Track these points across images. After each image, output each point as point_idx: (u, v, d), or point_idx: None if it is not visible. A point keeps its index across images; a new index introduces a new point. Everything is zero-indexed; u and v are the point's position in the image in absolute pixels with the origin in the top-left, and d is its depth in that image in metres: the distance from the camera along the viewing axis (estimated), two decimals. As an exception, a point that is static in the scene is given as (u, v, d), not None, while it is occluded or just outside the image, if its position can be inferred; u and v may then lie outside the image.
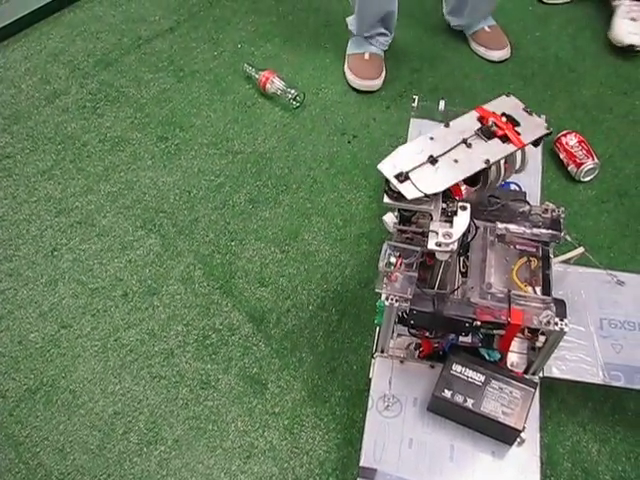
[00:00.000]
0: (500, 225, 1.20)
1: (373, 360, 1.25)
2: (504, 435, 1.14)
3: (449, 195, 1.09)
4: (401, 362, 1.24)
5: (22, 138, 1.78)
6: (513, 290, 1.12)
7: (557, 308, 1.09)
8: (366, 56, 1.88)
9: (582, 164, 1.65)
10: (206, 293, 1.50)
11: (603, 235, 1.58)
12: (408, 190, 1.05)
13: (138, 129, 1.80)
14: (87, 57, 1.97)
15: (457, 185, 1.09)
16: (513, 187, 1.39)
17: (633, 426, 1.31)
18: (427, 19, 2.06)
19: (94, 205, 1.65)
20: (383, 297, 1.09)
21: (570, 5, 2.12)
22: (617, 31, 1.96)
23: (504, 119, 1.16)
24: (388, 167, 1.08)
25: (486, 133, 1.14)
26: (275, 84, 1.84)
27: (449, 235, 1.05)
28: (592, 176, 1.68)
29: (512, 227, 1.19)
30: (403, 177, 1.06)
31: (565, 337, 1.09)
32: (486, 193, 1.19)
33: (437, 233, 1.05)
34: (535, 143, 1.17)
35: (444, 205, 1.08)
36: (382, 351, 1.24)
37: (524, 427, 1.11)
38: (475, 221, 1.16)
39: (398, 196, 1.07)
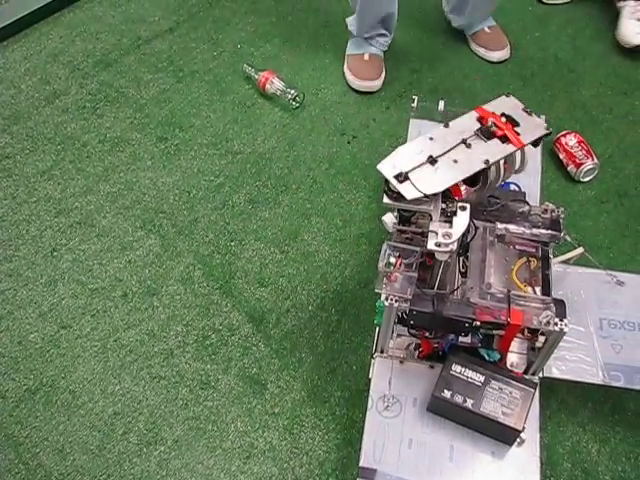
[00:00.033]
0: (500, 225, 1.20)
1: (373, 360, 1.25)
2: (504, 435, 1.14)
3: (449, 195, 1.09)
4: (401, 362, 1.24)
5: (22, 138, 1.78)
6: (513, 290, 1.12)
7: (557, 308, 1.09)
8: (366, 57, 1.88)
9: (582, 164, 1.66)
10: (206, 293, 1.50)
11: (603, 235, 1.59)
12: (407, 190, 1.05)
13: (138, 129, 1.80)
14: (87, 57, 1.97)
15: (457, 185, 1.09)
16: (513, 187, 1.39)
17: (633, 426, 1.31)
18: (427, 20, 2.06)
19: (94, 205, 1.65)
20: (383, 297, 1.09)
21: (570, 5, 2.12)
22: (624, 32, 1.96)
23: (504, 119, 1.16)
24: (387, 167, 1.08)
25: (486, 133, 1.14)
26: (275, 84, 1.84)
27: (449, 235, 1.05)
28: (592, 176, 1.68)
29: (512, 227, 1.20)
30: (403, 177, 1.06)
31: (565, 337, 1.09)
32: (486, 193, 1.19)
33: (437, 233, 1.05)
34: (534, 143, 1.17)
35: (444, 205, 1.08)
36: (382, 351, 1.24)
37: (524, 427, 1.11)
38: (475, 221, 1.16)
39: (398, 196, 1.07)
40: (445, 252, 1.05)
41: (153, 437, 1.31)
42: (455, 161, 1.10)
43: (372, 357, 1.26)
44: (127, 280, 1.52)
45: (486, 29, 1.96)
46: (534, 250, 1.19)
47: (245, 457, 1.29)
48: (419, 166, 1.08)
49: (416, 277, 1.09)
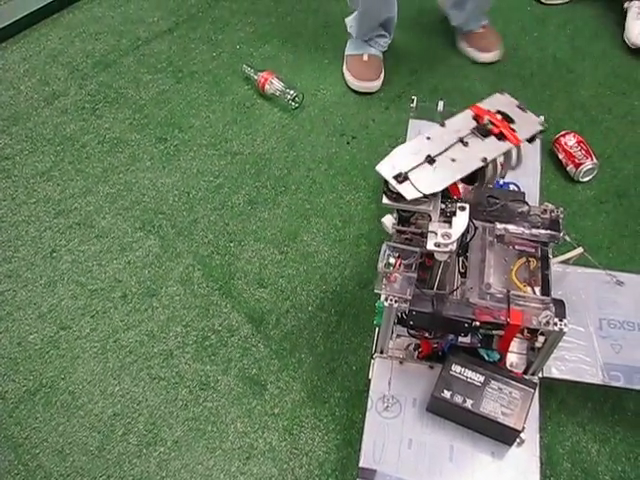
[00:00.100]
0: (499, 225, 1.20)
1: (372, 361, 1.25)
2: (504, 435, 1.14)
3: (448, 195, 1.09)
4: (400, 363, 1.24)
5: (21, 139, 1.78)
6: (512, 290, 1.12)
7: (556, 308, 1.08)
8: (365, 57, 1.88)
9: (581, 164, 1.66)
10: (205, 294, 1.50)
11: (602, 235, 1.59)
12: (407, 191, 1.05)
13: (137, 130, 1.80)
14: (86, 58, 1.97)
15: (455, 184, 1.09)
16: (512, 187, 1.39)
17: (633, 426, 1.31)
18: (426, 20, 2.06)
19: (93, 206, 1.65)
20: (382, 298, 1.09)
21: (569, 5, 2.12)
22: (632, 33, 1.96)
23: (499, 117, 1.16)
24: (386, 168, 1.08)
25: (482, 131, 1.14)
26: (274, 85, 1.84)
27: (448, 236, 1.05)
28: (591, 176, 1.69)
29: (511, 227, 1.20)
30: (402, 178, 1.06)
31: (564, 337, 1.09)
32: (483, 191, 1.19)
33: (436, 234, 1.05)
34: (530, 140, 1.17)
35: (443, 206, 1.08)
36: (381, 352, 1.24)
37: (523, 427, 1.11)
38: (474, 221, 1.16)
39: (397, 197, 1.07)
40: (444, 252, 1.06)
41: (153, 438, 1.31)
42: (453, 160, 1.10)
43: (372, 357, 1.26)
44: (126, 281, 1.52)
45: (479, 29, 1.95)
46: (533, 250, 1.19)
47: (245, 458, 1.28)
48: (418, 166, 1.08)
49: (415, 277, 1.09)
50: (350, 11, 1.85)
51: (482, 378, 1.15)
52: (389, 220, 1.13)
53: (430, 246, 1.05)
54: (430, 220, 1.07)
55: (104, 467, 1.27)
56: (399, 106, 1.85)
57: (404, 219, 1.13)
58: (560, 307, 1.09)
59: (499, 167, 1.14)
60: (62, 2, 2.08)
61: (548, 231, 1.19)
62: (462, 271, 1.17)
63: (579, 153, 1.67)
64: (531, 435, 1.15)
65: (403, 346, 1.26)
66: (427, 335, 1.20)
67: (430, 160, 1.09)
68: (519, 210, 1.22)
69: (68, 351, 1.41)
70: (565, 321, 1.07)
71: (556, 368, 1.23)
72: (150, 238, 1.59)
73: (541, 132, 1.18)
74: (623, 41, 2.00)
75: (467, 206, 1.08)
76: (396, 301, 1.08)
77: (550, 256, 1.18)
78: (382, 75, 1.89)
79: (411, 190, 1.05)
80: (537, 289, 1.14)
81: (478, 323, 1.09)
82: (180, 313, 1.47)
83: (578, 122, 1.80)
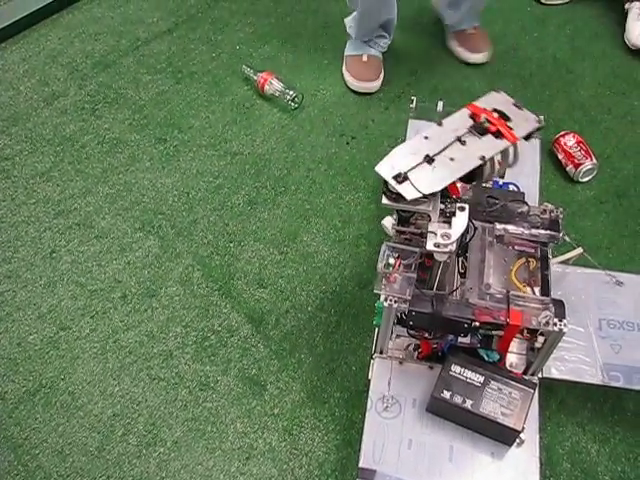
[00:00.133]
0: (499, 226, 1.20)
1: (372, 361, 1.25)
2: (503, 436, 1.14)
3: (447, 195, 1.09)
4: (400, 363, 1.24)
5: (20, 140, 1.78)
6: (512, 291, 1.12)
7: (556, 309, 1.08)
8: (364, 58, 1.88)
9: (580, 164, 1.66)
10: (205, 294, 1.50)
11: (602, 235, 1.59)
12: (407, 191, 1.05)
13: (136, 131, 1.80)
14: (85, 59, 1.97)
15: (453, 183, 1.09)
16: (512, 188, 1.39)
17: (632, 426, 1.31)
18: (425, 20, 2.06)
19: (93, 207, 1.65)
20: (382, 298, 1.09)
21: (568, 6, 2.13)
22: (633, 34, 1.96)
23: (496, 115, 1.16)
24: (385, 169, 1.08)
25: (479, 130, 1.14)
26: (273, 85, 1.84)
27: (448, 236, 1.05)
28: (590, 176, 1.69)
29: (511, 228, 1.19)
30: (402, 178, 1.06)
31: (564, 338, 1.09)
32: (481, 190, 1.19)
33: (436, 234, 1.05)
34: (526, 137, 1.17)
35: (442, 206, 1.08)
36: (381, 352, 1.24)
37: (523, 428, 1.11)
38: (474, 222, 1.16)
39: (397, 197, 1.07)
40: (444, 253, 1.06)
41: (152, 438, 1.31)
42: (452, 159, 1.10)
43: (371, 358, 1.26)
44: (126, 281, 1.52)
45: (471, 30, 1.94)
46: (533, 250, 1.19)
47: (244, 458, 1.28)
48: (417, 166, 1.08)
49: (415, 278, 1.09)
50: (349, 11, 1.85)
51: (482, 378, 1.15)
52: (389, 222, 1.13)
53: (430, 246, 1.05)
54: (430, 220, 1.07)
55: (104, 468, 1.27)
56: (399, 106, 1.85)
57: (404, 219, 1.13)
58: (560, 307, 1.09)
59: (497, 165, 1.14)
60: (62, 3, 2.08)
61: (548, 231, 1.19)
62: (462, 271, 1.17)
63: (579, 153, 1.67)
64: (531, 435, 1.15)
65: (403, 346, 1.26)
66: (427, 335, 1.20)
67: (429, 160, 1.09)
68: (519, 210, 1.22)
69: (68, 351, 1.41)
70: (565, 321, 1.07)
71: (556, 368, 1.23)
72: (150, 238, 1.59)
73: (538, 129, 1.18)
74: (623, 41, 2.00)
75: (466, 206, 1.08)
76: (396, 301, 1.08)
77: (550, 256, 1.18)
78: (382, 75, 1.89)
79: (411, 190, 1.05)
80: (537, 289, 1.14)
81: (478, 323, 1.09)
82: (180, 313, 1.47)
83: (578, 122, 1.81)
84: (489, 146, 1.12)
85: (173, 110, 1.85)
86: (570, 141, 1.69)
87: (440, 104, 1.40)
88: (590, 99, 1.88)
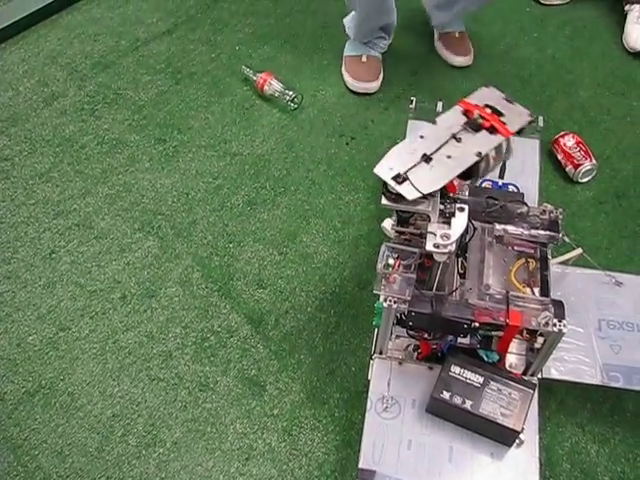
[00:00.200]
0: (498, 226, 1.20)
1: (372, 361, 1.25)
2: (503, 436, 1.14)
3: (446, 195, 1.09)
4: (400, 363, 1.24)
5: (20, 140, 1.78)
6: (511, 291, 1.12)
7: (555, 309, 1.09)
8: (364, 58, 1.88)
9: (580, 165, 1.66)
10: (204, 295, 1.50)
11: (601, 236, 1.59)
12: (408, 191, 1.05)
13: (136, 131, 1.80)
14: (85, 59, 1.97)
15: (451, 181, 1.09)
16: (511, 188, 1.39)
17: (632, 427, 1.31)
18: (425, 21, 2.06)
19: (92, 207, 1.64)
20: (381, 299, 1.09)
21: (568, 6, 2.13)
22: (631, 37, 1.96)
23: (488, 110, 1.16)
24: (384, 170, 1.07)
25: (473, 126, 1.14)
26: (273, 86, 1.84)
27: (447, 236, 1.05)
28: (590, 177, 1.69)
29: (510, 228, 1.20)
30: (401, 178, 1.06)
31: (563, 338, 1.09)
32: (480, 190, 1.19)
33: (435, 234, 1.05)
34: (519, 132, 1.17)
35: (442, 206, 1.08)
36: (381, 353, 1.24)
37: (523, 428, 1.11)
38: (473, 222, 1.16)
39: (396, 198, 1.06)
40: (443, 253, 1.06)
41: (152, 439, 1.30)
42: (449, 157, 1.10)
43: (371, 358, 1.26)
44: (126, 282, 1.52)
45: (457, 34, 1.95)
46: (533, 251, 1.19)
47: (244, 459, 1.28)
48: (415, 166, 1.08)
49: (415, 278, 1.09)
50: (347, 11, 1.85)
51: (481, 379, 1.15)
52: (389, 224, 1.13)
53: (429, 247, 1.05)
54: (429, 221, 1.07)
55: (103, 468, 1.27)
56: (398, 107, 1.84)
57: (403, 220, 1.13)
58: (559, 308, 1.09)
59: (491, 160, 1.14)
60: (61, 3, 2.08)
61: (547, 232, 1.19)
62: (461, 272, 1.17)
63: (578, 154, 1.67)
64: (530, 436, 1.15)
65: (402, 347, 1.26)
66: (426, 336, 1.19)
67: (426, 159, 1.09)
68: (518, 211, 1.22)
69: (67, 352, 1.41)
70: (564, 322, 1.07)
71: (555, 369, 1.23)
72: (149, 239, 1.59)
73: (530, 122, 1.18)
74: (622, 42, 2.00)
75: (466, 207, 1.08)
76: (395, 302, 1.08)
77: (549, 257, 1.18)
78: (381, 76, 1.89)
79: (412, 190, 1.05)
80: (536, 290, 1.14)
81: (477, 324, 1.09)
82: (179, 314, 1.47)
83: (577, 123, 1.81)
84: (484, 142, 1.12)
85: (172, 111, 1.85)
86: (569, 142, 1.69)
87: (440, 105, 1.41)
88: (589, 100, 1.88)
